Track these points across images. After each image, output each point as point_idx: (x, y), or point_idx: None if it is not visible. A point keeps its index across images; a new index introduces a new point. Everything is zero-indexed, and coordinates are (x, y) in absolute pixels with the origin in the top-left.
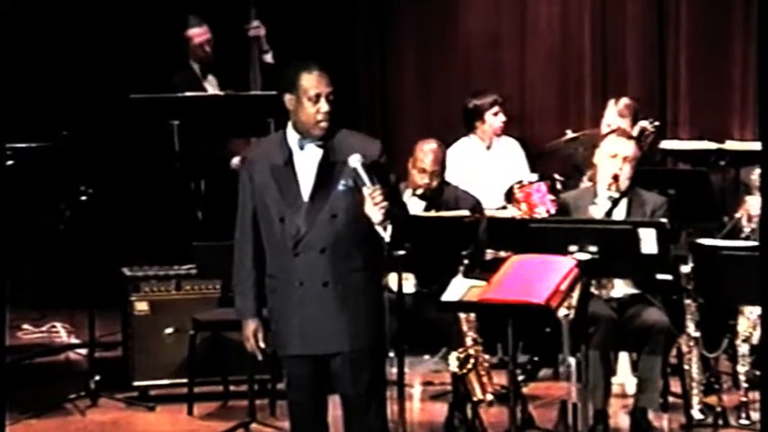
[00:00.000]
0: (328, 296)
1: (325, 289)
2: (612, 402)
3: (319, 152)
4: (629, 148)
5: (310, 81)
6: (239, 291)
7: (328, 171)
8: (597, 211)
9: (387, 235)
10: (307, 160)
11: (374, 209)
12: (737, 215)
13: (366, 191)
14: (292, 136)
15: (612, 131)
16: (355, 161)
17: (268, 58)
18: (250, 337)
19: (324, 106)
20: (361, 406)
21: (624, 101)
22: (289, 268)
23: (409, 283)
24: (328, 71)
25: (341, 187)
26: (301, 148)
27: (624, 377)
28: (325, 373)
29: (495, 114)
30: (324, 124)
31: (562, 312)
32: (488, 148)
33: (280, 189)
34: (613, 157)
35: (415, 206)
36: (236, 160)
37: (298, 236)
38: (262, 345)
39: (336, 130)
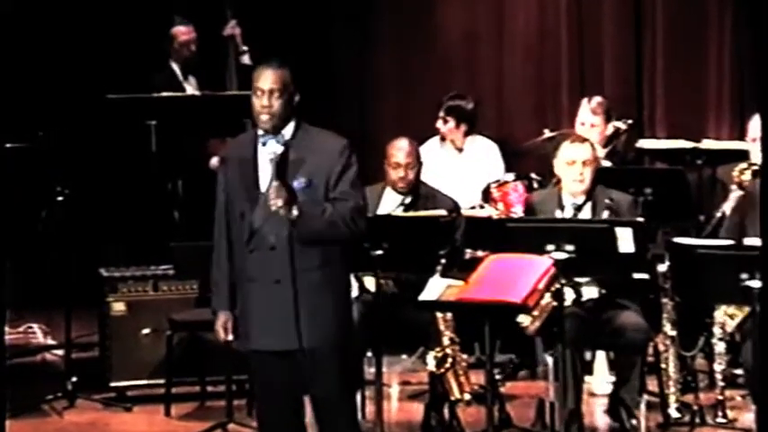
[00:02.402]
0: (281, 294)
1: (277, 286)
2: (589, 401)
3: (280, 149)
4: (587, 152)
5: (257, 76)
6: (214, 286)
7: (285, 168)
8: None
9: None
10: (267, 156)
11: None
12: (719, 214)
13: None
14: (259, 132)
15: (566, 138)
16: (267, 154)
17: (245, 59)
18: (219, 329)
19: (263, 101)
20: (330, 406)
21: (597, 99)
22: (246, 265)
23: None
24: (285, 70)
25: (295, 184)
26: (263, 144)
27: (601, 376)
28: (297, 373)
29: (437, 119)
30: (264, 118)
31: (523, 321)
32: (459, 150)
33: (243, 185)
34: (572, 163)
35: (395, 200)
36: (214, 161)
37: (252, 232)
38: (229, 337)
39: (303, 127)
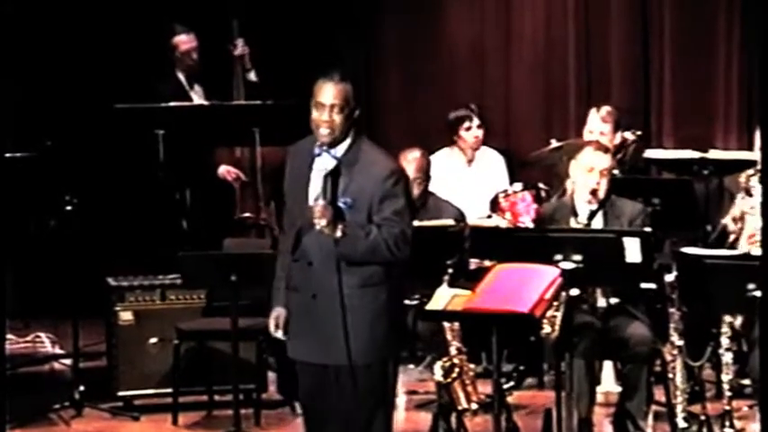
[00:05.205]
0: (315, 308)
1: (314, 301)
2: (596, 411)
3: (332, 163)
4: (606, 162)
5: (317, 89)
6: (274, 283)
7: (331, 185)
8: (576, 224)
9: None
10: (319, 170)
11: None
12: (724, 221)
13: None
14: (315, 143)
15: (589, 144)
16: (322, 165)
17: (251, 76)
18: (270, 322)
19: (323, 115)
20: (348, 423)
21: (606, 108)
22: (291, 273)
23: None
24: (346, 84)
25: (340, 203)
26: (318, 155)
27: (608, 386)
28: (332, 385)
29: (468, 129)
30: (323, 132)
31: (545, 330)
32: (470, 162)
33: (296, 194)
34: (590, 170)
35: None
36: (222, 170)
37: (297, 242)
38: (279, 333)
39: (357, 143)
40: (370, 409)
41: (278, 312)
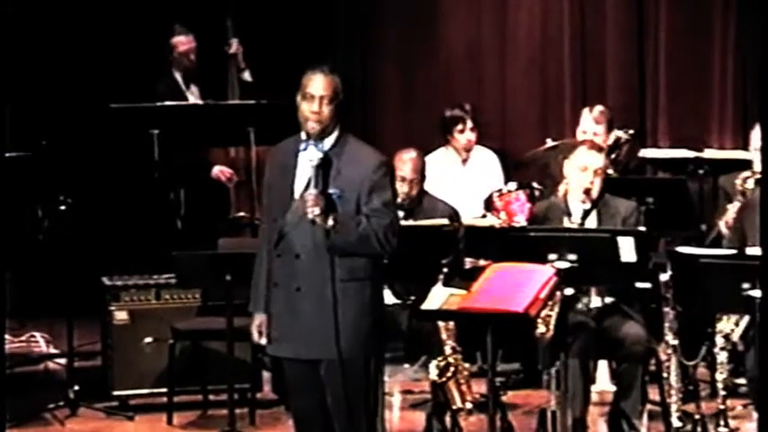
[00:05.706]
0: (300, 302)
1: (298, 294)
2: (591, 410)
3: (319, 155)
4: (599, 161)
5: (306, 80)
6: (253, 287)
7: (321, 176)
8: (570, 223)
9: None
10: (306, 162)
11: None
12: (721, 223)
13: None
14: (301, 137)
15: (582, 143)
16: (309, 158)
17: (246, 76)
18: (254, 331)
19: (313, 106)
20: (340, 417)
21: (599, 108)
22: (273, 268)
23: (387, 293)
24: (335, 77)
25: (330, 193)
26: (304, 149)
27: (603, 385)
28: (319, 380)
29: (461, 132)
30: (312, 124)
31: (539, 330)
32: (464, 162)
33: (279, 189)
34: (584, 170)
35: None
36: (216, 170)
37: (280, 236)
38: (263, 341)
39: (344, 137)
40: (353, 404)
41: (260, 320)
